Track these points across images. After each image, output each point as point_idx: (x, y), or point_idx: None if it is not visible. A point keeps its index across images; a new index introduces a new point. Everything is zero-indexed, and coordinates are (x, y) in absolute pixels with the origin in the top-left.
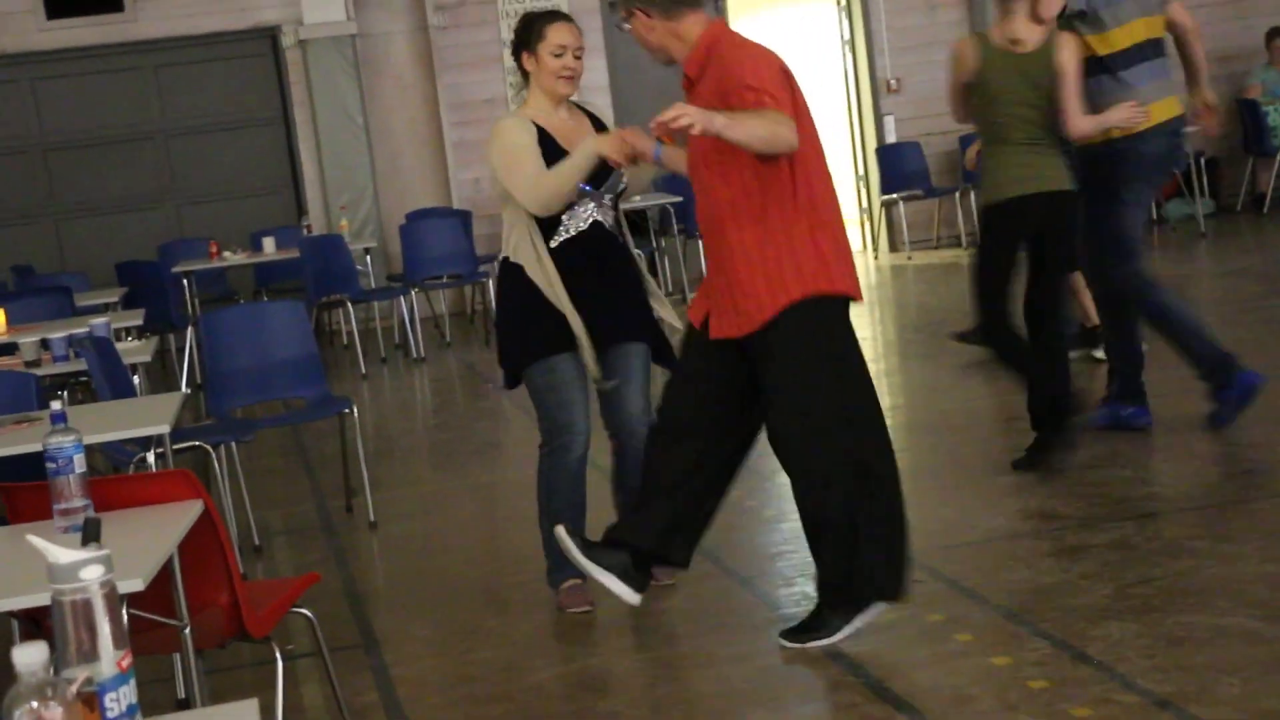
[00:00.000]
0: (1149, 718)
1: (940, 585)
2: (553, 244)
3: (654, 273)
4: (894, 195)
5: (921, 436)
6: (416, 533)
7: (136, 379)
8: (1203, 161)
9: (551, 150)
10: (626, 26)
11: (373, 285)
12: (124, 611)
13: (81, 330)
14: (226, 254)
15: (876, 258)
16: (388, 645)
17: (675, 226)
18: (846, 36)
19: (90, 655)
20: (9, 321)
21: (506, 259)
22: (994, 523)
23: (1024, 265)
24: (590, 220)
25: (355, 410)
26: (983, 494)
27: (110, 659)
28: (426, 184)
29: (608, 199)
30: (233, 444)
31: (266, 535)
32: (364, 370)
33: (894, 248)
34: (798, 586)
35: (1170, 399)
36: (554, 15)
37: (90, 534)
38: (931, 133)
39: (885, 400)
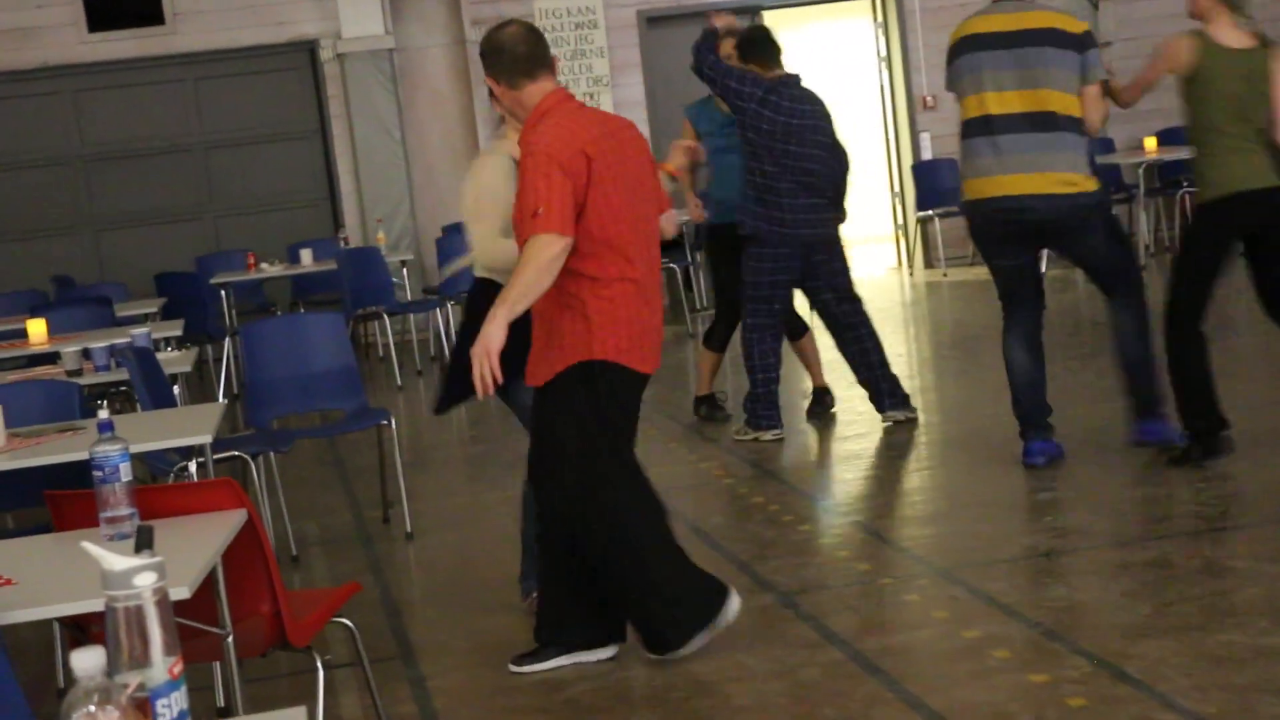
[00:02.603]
0: None
1: (978, 602)
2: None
3: (689, 287)
4: (929, 212)
5: (957, 453)
6: (453, 544)
7: (176, 389)
8: None
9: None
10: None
11: (409, 298)
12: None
13: (122, 340)
14: (264, 266)
15: (911, 274)
16: (424, 656)
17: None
18: (883, 53)
19: (142, 661)
20: (50, 331)
21: (482, 279)
22: (1031, 540)
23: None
24: None
25: (393, 422)
26: (1020, 511)
27: (162, 665)
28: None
29: None
30: (271, 454)
31: (304, 545)
32: (399, 382)
33: (929, 264)
34: (838, 602)
35: None
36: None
37: (143, 541)
38: None
39: (920, 417)
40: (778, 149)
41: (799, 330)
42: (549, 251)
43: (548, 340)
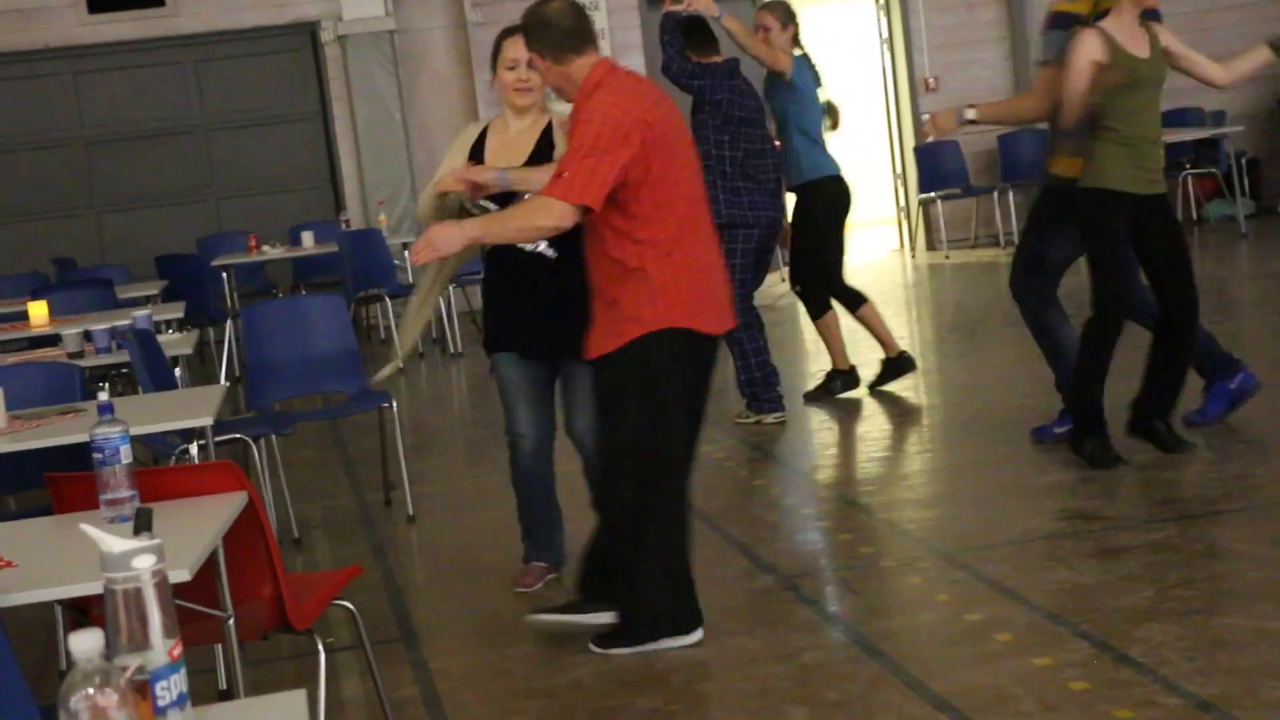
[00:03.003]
0: None
1: (980, 585)
2: (494, 255)
3: None
4: (932, 194)
5: (960, 436)
6: (455, 527)
7: (177, 371)
8: (1244, 162)
9: (476, 156)
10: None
11: (410, 280)
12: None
13: (124, 322)
14: (265, 248)
15: (914, 256)
16: (426, 639)
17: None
18: (885, 34)
19: (141, 644)
20: (51, 313)
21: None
22: (1034, 523)
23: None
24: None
25: (394, 404)
26: (1022, 494)
27: (161, 648)
28: None
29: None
30: (272, 437)
31: (305, 528)
32: (401, 365)
33: (931, 246)
34: (839, 585)
35: None
36: (509, 31)
37: (142, 524)
38: (969, 132)
39: (924, 400)
40: (744, 134)
41: (857, 300)
42: (547, 217)
43: (609, 312)
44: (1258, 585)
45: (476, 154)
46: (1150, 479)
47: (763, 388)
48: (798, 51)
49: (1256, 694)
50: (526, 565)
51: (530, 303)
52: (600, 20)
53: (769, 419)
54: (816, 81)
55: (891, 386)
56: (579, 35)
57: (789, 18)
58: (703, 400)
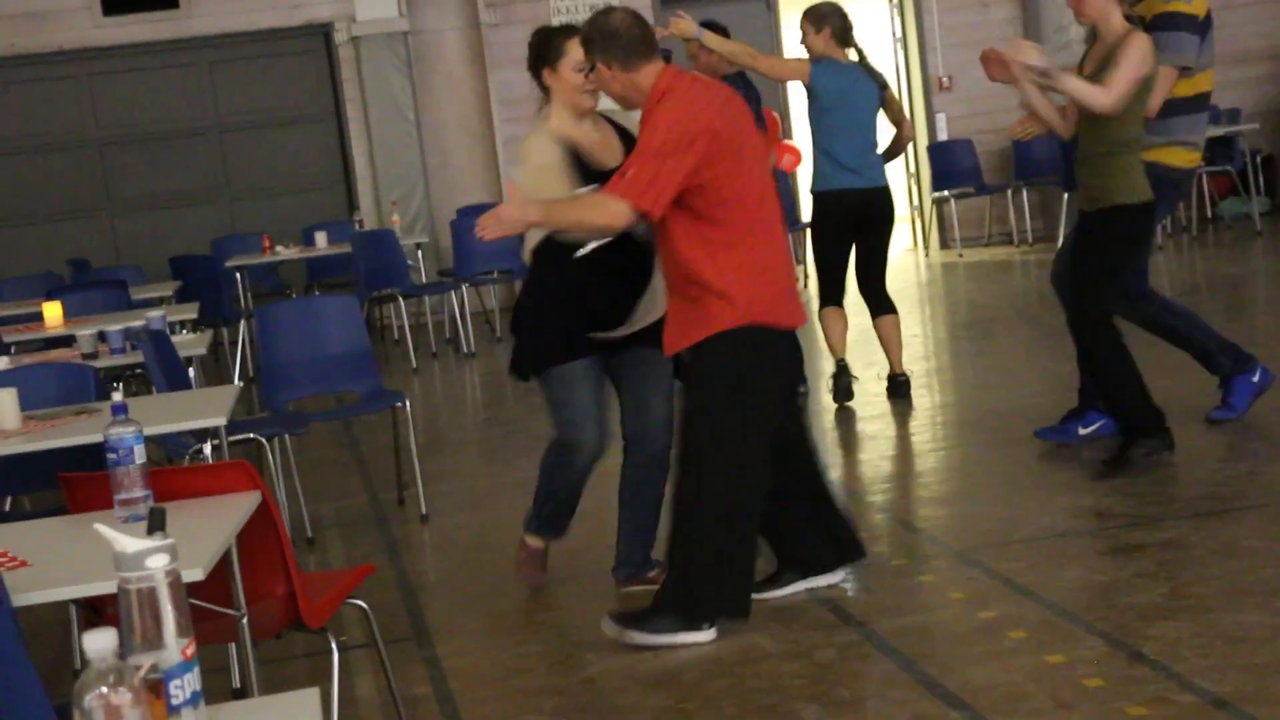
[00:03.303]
0: (1205, 717)
1: (994, 582)
2: (577, 255)
3: None
4: (945, 192)
5: (973, 434)
6: (468, 526)
7: (191, 372)
8: (1259, 159)
9: (579, 165)
10: (592, 75)
11: (424, 280)
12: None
13: (138, 323)
14: (279, 249)
15: (927, 255)
16: (440, 637)
17: None
18: (898, 34)
19: (155, 643)
20: (66, 314)
21: (548, 242)
22: (1047, 520)
23: None
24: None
25: (408, 404)
26: (1036, 491)
27: (175, 647)
28: (477, 180)
29: None
30: (286, 436)
31: (319, 527)
32: (415, 365)
33: (945, 245)
34: (852, 583)
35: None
36: (572, 30)
37: (155, 523)
38: (984, 130)
39: (936, 398)
40: None
41: (880, 309)
42: (609, 216)
43: (688, 309)
44: (1272, 582)
45: (579, 160)
46: (1163, 477)
47: None
48: (826, 56)
49: (1271, 690)
50: (529, 540)
51: (618, 294)
52: None
53: None
54: (859, 87)
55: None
56: (646, 43)
57: (820, 20)
58: (785, 395)
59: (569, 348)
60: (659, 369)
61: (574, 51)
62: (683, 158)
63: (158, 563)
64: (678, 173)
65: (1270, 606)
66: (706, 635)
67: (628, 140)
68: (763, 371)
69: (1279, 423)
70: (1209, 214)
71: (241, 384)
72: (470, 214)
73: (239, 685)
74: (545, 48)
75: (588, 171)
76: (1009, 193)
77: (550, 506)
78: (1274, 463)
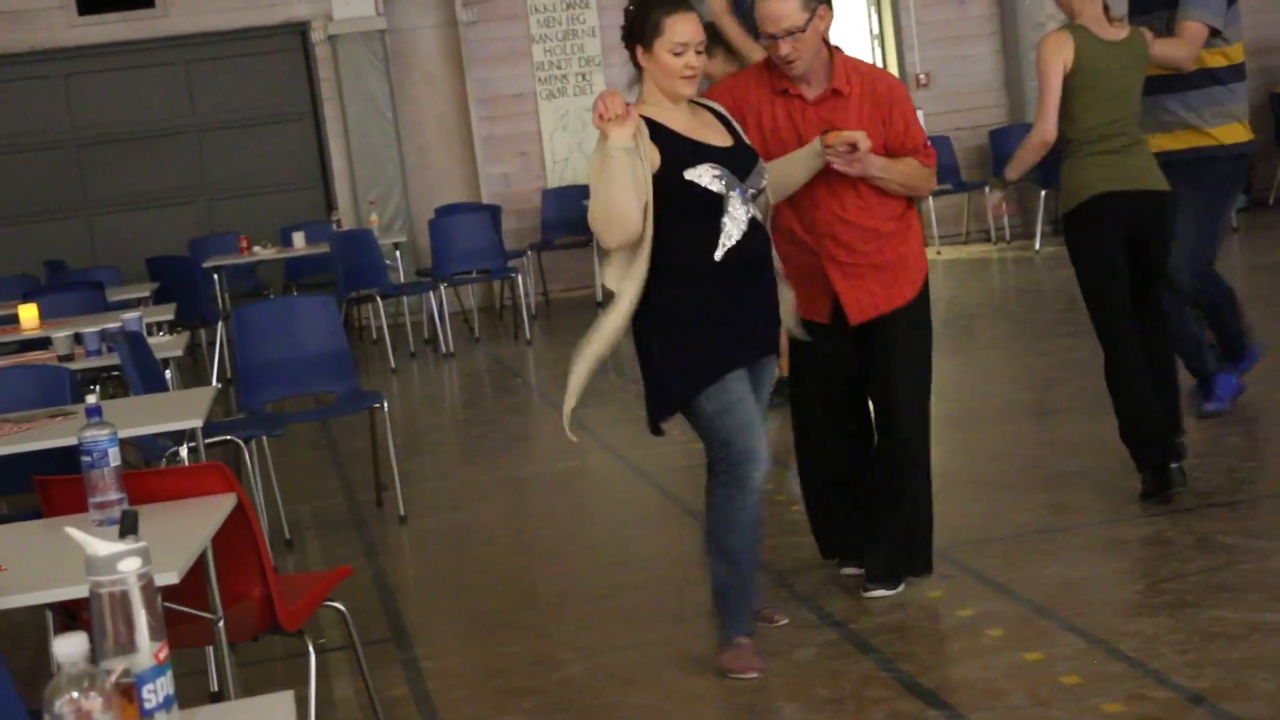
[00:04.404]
0: (1182, 714)
1: (971, 580)
2: (718, 257)
3: None
4: None
5: (952, 432)
6: (446, 526)
7: (168, 373)
8: None
9: (678, 147)
10: (801, 34)
11: (402, 280)
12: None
13: (114, 325)
14: (257, 249)
15: None
16: (418, 639)
17: None
18: (876, 30)
19: (128, 647)
20: (41, 316)
21: (655, 270)
22: (1025, 518)
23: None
24: (749, 221)
25: (386, 405)
26: (1014, 489)
27: (147, 651)
28: (455, 179)
29: (749, 193)
30: (263, 438)
31: (297, 529)
32: (393, 365)
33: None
34: (832, 583)
35: None
36: (674, 5)
37: (127, 527)
38: (961, 127)
39: None
40: None
41: None
42: (930, 182)
43: (874, 275)
44: (1249, 578)
45: (673, 139)
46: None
47: None
48: None
49: (1248, 686)
50: (739, 643)
51: (760, 299)
52: (590, 19)
53: None
54: None
55: None
56: None
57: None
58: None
59: (719, 363)
60: (767, 377)
61: (673, 31)
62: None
63: (130, 566)
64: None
65: (1246, 602)
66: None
67: (730, 127)
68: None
69: (1258, 419)
70: None
71: (219, 385)
72: (448, 213)
73: (216, 689)
74: (642, 22)
75: (695, 148)
76: (987, 190)
77: (734, 581)
78: (1250, 459)
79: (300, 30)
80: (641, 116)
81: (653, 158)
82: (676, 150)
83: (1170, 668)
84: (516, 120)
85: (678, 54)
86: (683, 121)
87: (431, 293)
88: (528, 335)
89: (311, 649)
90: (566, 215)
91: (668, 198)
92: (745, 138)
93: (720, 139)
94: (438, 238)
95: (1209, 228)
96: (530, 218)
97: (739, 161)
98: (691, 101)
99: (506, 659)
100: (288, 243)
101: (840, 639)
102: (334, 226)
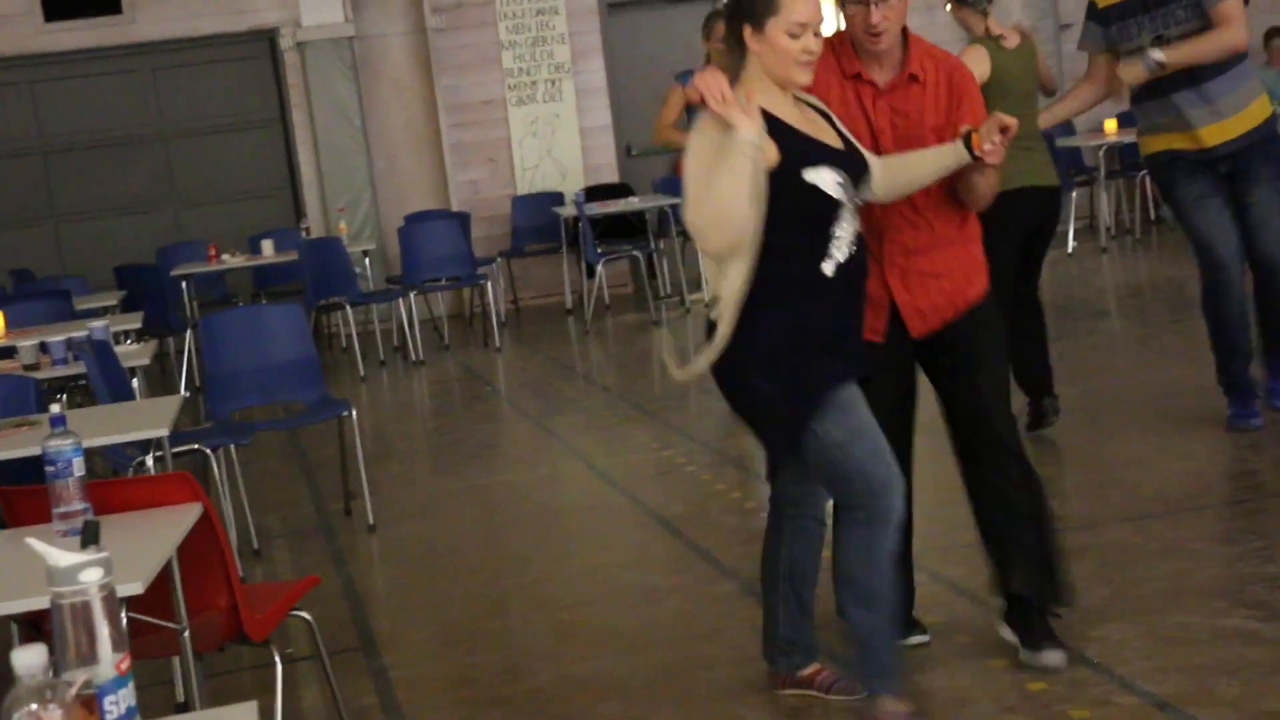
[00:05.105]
0: (1148, 719)
1: (939, 587)
2: (828, 271)
3: (652, 274)
4: None
5: (922, 437)
6: (416, 535)
7: (135, 382)
8: None
9: (797, 143)
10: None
11: (371, 288)
12: (123, 614)
13: (80, 334)
14: (225, 257)
15: None
16: (387, 648)
17: (674, 228)
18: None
19: (89, 658)
20: (8, 325)
21: (756, 282)
22: None
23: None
24: (855, 233)
25: (354, 413)
26: None
27: (109, 662)
28: (425, 186)
29: (858, 202)
30: (231, 447)
31: (265, 538)
32: (363, 373)
33: None
34: None
35: (1175, 399)
36: None
37: (89, 537)
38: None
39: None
40: None
41: None
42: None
43: (950, 272)
44: (1213, 583)
45: (789, 135)
46: (1104, 479)
47: None
48: None
49: (1212, 691)
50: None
51: (861, 317)
52: (560, 25)
53: None
54: None
55: None
56: None
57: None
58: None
59: (832, 375)
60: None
61: (792, 9)
62: None
63: (91, 577)
64: None
65: (1211, 608)
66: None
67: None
68: None
69: (1220, 425)
70: (1152, 216)
71: (187, 394)
72: (417, 220)
73: (183, 699)
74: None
75: (814, 146)
76: None
77: (883, 626)
78: (1215, 464)
79: (269, 37)
80: (760, 111)
81: (770, 154)
82: (795, 147)
83: (1136, 673)
84: (486, 127)
85: (795, 36)
86: (793, 115)
87: (401, 300)
88: (497, 343)
89: (278, 659)
90: (536, 222)
91: (779, 200)
92: (853, 140)
93: (832, 139)
94: (407, 245)
95: None
96: (500, 225)
97: (853, 166)
98: (803, 100)
99: (475, 668)
100: (256, 251)
101: None
102: (302, 234)
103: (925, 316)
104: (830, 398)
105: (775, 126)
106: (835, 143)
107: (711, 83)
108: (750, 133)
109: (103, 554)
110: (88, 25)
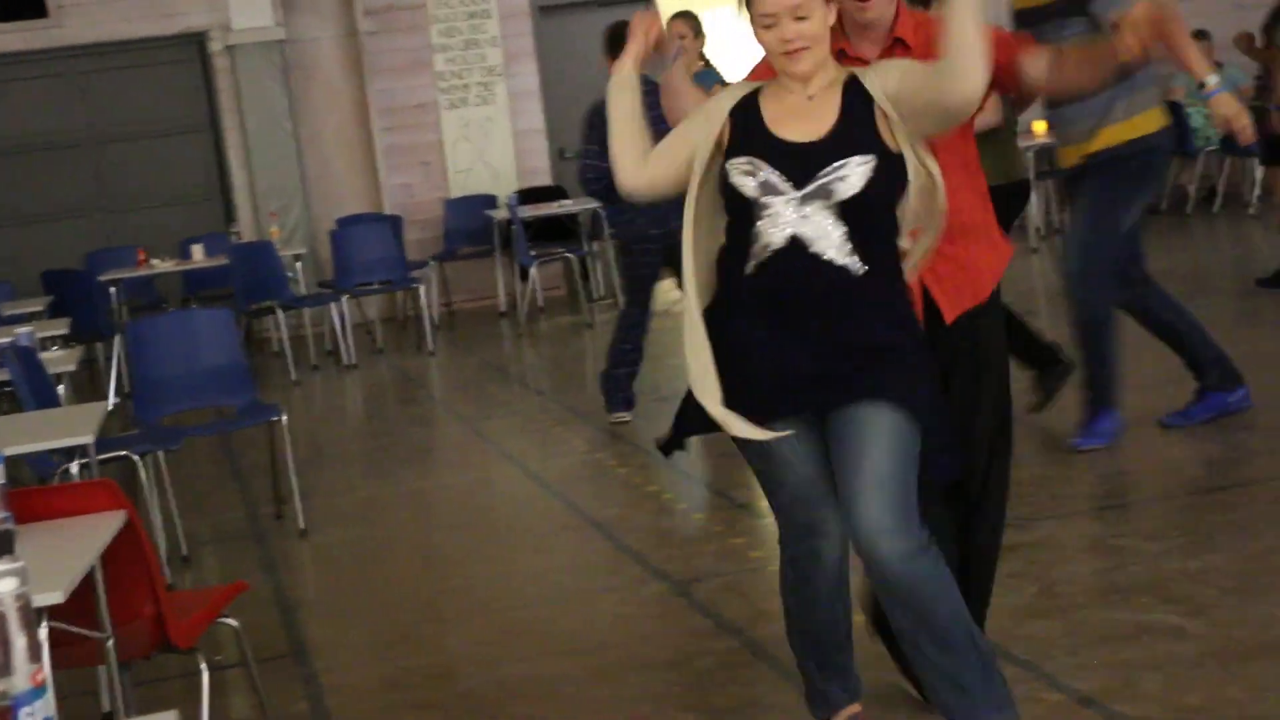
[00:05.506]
0: (1073, 715)
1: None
2: (749, 270)
3: (585, 277)
4: None
5: None
6: (348, 540)
7: (61, 389)
8: None
9: (748, 132)
10: None
11: (303, 292)
12: (43, 625)
13: (5, 340)
14: (155, 262)
15: None
16: (318, 654)
17: (607, 231)
18: None
19: (4, 669)
20: None
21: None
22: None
23: None
24: (788, 234)
25: (285, 417)
26: None
27: (25, 673)
28: (357, 190)
29: (816, 202)
30: (160, 453)
31: (195, 545)
32: (295, 377)
33: None
34: (731, 591)
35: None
36: None
37: (3, 547)
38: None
39: None
40: None
41: None
42: None
43: (957, 267)
44: (1138, 579)
45: (749, 122)
46: (1033, 477)
47: (621, 387)
48: (700, 65)
49: (1136, 686)
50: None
51: (824, 335)
52: (492, 28)
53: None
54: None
55: None
56: None
57: (700, 28)
58: None
59: (778, 397)
60: (869, 431)
61: (759, 2)
62: None
63: (6, 587)
64: None
65: (1135, 604)
66: None
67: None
68: None
69: (1149, 422)
70: None
71: (118, 400)
72: (349, 224)
73: (108, 709)
74: None
75: (761, 138)
76: None
77: (813, 635)
78: (1142, 459)
79: (198, 40)
80: (747, 92)
81: (719, 134)
82: (744, 135)
83: (1061, 670)
84: (418, 130)
85: (768, 27)
86: (789, 105)
87: (333, 304)
88: (430, 346)
89: (204, 666)
90: (469, 225)
91: (722, 185)
92: (872, 126)
93: (808, 130)
94: (339, 249)
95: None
96: (433, 228)
97: (808, 160)
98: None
99: (407, 673)
100: (186, 255)
101: (740, 646)
102: (233, 239)
103: (959, 298)
104: (772, 424)
105: (746, 114)
106: (807, 135)
107: (644, 20)
108: (624, 68)
109: (18, 563)
110: (14, 29)
